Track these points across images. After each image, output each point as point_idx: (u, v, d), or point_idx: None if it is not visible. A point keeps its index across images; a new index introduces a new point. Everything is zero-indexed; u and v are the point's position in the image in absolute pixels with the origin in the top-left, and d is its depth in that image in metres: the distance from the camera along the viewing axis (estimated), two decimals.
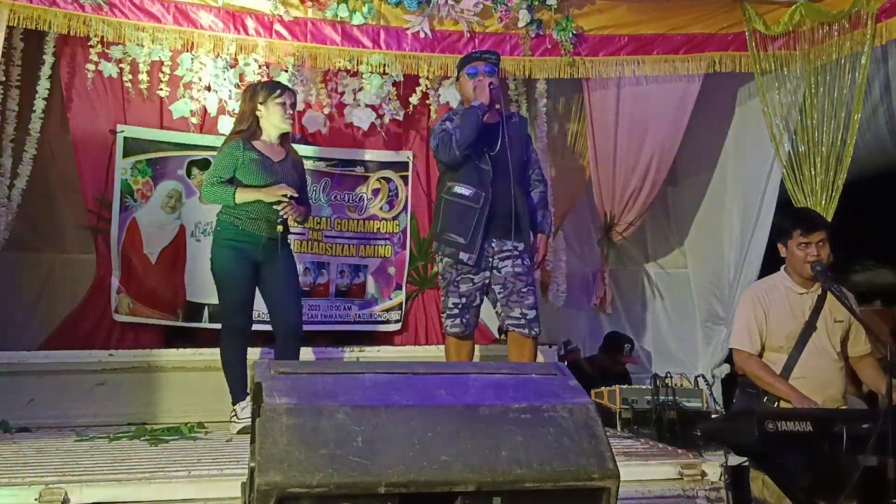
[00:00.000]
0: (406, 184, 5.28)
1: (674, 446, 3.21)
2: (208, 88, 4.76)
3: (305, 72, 4.83)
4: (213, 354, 4.06)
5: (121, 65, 4.65)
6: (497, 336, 4.93)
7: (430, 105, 5.16)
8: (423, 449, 1.66)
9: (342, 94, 5.04)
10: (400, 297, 5.24)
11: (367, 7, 4.68)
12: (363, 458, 1.62)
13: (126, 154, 4.76)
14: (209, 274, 4.01)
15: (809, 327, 3.50)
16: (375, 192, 5.23)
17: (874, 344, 3.55)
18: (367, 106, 5.02)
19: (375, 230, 5.23)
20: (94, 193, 4.76)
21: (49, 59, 4.59)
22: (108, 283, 4.71)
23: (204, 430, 3.96)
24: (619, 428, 3.63)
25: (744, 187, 5.48)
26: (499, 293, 3.98)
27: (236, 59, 4.70)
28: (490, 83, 3.98)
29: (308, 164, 4.78)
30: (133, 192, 4.77)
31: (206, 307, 4.78)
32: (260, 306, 4.06)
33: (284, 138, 4.04)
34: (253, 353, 4.05)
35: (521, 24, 4.86)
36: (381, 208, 5.25)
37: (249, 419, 2.61)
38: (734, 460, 2.88)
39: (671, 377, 3.54)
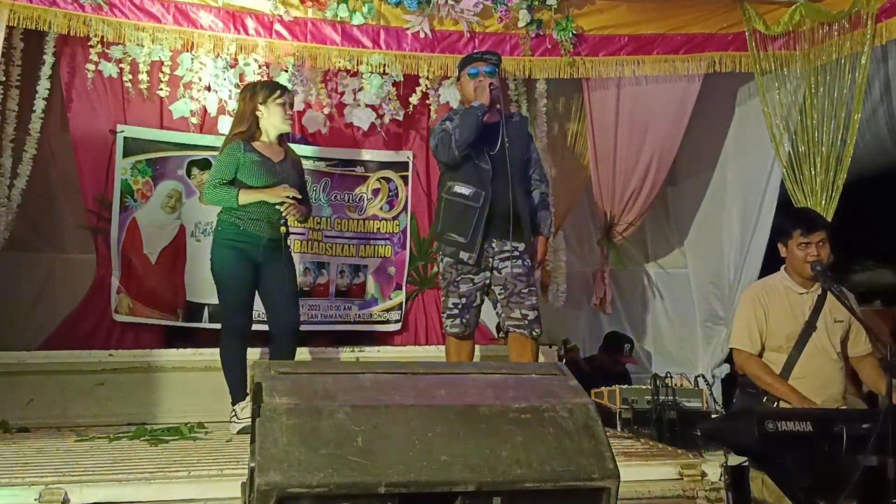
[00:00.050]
0: (406, 184, 5.28)
1: (674, 446, 3.21)
2: (208, 88, 4.76)
3: (305, 72, 4.83)
4: (213, 354, 4.06)
5: (121, 65, 4.65)
6: (495, 335, 4.93)
7: (430, 105, 5.16)
8: (423, 449, 1.66)
9: (342, 94, 5.04)
10: (400, 297, 5.24)
11: (367, 7, 4.68)
12: (363, 458, 1.61)
13: (126, 154, 4.76)
14: (209, 274, 4.01)
15: (809, 327, 3.50)
16: (375, 192, 5.23)
17: (874, 344, 3.55)
18: (367, 106, 5.02)
19: (375, 230, 5.23)
20: (94, 193, 4.76)
21: (49, 59, 4.59)
22: (108, 283, 4.71)
23: (204, 430, 3.95)
24: (619, 428, 3.63)
25: (744, 187, 5.48)
26: (499, 294, 3.98)
27: (236, 59, 4.70)
28: (491, 84, 3.98)
29: (308, 164, 4.78)
30: (133, 192, 4.77)
31: (206, 307, 4.78)
32: (260, 306, 4.06)
33: (282, 138, 4.05)
34: (253, 354, 4.05)
35: (521, 24, 4.86)
36: (381, 208, 5.25)
37: (249, 419, 2.61)
38: (734, 460, 2.89)
39: (671, 377, 3.55)
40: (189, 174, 4.86)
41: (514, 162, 3.95)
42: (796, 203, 4.84)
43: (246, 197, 3.83)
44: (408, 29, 4.75)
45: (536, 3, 4.84)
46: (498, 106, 4.01)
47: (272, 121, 3.94)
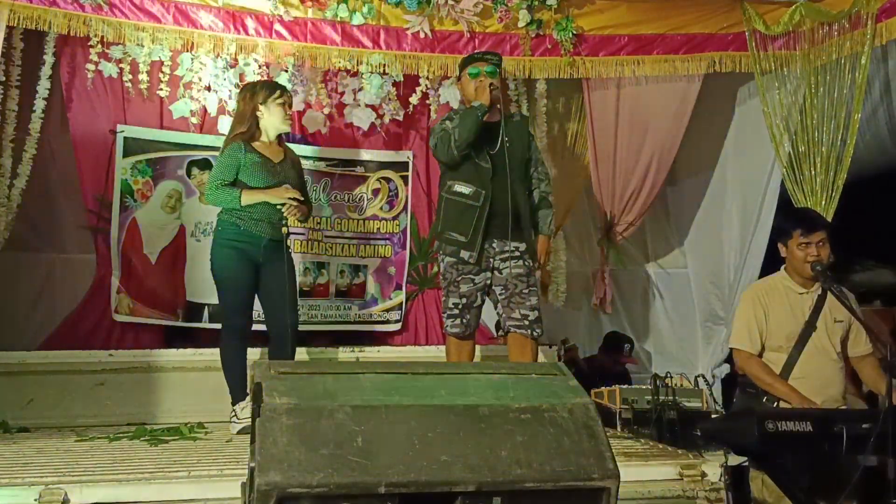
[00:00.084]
0: (406, 184, 5.28)
1: (674, 446, 3.21)
2: (208, 88, 4.76)
3: (305, 72, 4.83)
4: (213, 354, 4.06)
5: (121, 65, 4.65)
6: (494, 334, 4.93)
7: (430, 105, 5.16)
8: (423, 449, 1.66)
9: (342, 94, 5.04)
10: (400, 297, 5.24)
11: (367, 7, 4.69)
12: (363, 458, 1.62)
13: (126, 154, 4.76)
14: (209, 274, 4.01)
15: (809, 327, 3.50)
16: (375, 192, 5.23)
17: (874, 344, 3.55)
18: (367, 106, 5.02)
19: (375, 230, 5.23)
20: (94, 193, 4.76)
21: (49, 59, 4.59)
22: (108, 283, 4.71)
23: (204, 431, 3.95)
24: (619, 428, 3.63)
25: (744, 187, 5.48)
26: (500, 294, 3.98)
27: (236, 59, 4.70)
28: (491, 84, 3.98)
29: (308, 164, 4.79)
30: (133, 192, 4.77)
31: (206, 307, 4.78)
32: (259, 307, 4.06)
33: (281, 138, 4.05)
34: (253, 354, 4.05)
35: (521, 24, 4.86)
36: (381, 208, 5.25)
37: (249, 419, 2.61)
38: (734, 460, 2.88)
39: (671, 377, 3.54)
40: (189, 174, 4.86)
41: (514, 161, 3.95)
42: (796, 203, 4.84)
43: (248, 198, 3.83)
44: (408, 29, 4.75)
45: (536, 3, 4.84)
46: (498, 105, 4.02)
47: (272, 121, 3.94)
